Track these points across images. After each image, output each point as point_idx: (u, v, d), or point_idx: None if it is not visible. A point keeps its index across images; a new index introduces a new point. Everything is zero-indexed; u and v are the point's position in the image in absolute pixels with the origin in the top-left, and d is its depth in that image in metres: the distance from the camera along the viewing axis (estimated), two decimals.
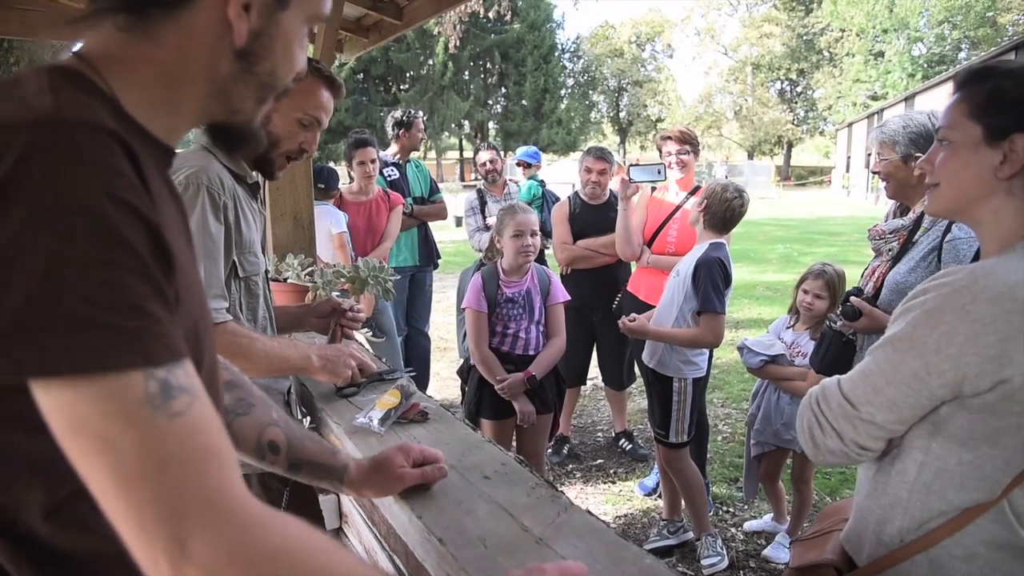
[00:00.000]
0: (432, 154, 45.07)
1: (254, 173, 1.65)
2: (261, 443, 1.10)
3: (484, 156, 5.04)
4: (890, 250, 2.29)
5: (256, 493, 1.55)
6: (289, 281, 2.40)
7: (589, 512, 1.14)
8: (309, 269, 2.42)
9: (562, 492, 1.22)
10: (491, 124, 45.92)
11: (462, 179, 39.87)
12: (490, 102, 44.73)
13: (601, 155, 4.10)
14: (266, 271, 1.67)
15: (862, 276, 2.40)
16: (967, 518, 1.09)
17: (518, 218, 2.91)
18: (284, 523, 0.63)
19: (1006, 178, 1.10)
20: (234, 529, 0.58)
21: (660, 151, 3.73)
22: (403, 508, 1.19)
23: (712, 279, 2.85)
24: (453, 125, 42.23)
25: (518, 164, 5.41)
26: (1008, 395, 1.04)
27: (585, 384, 4.59)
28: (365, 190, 4.39)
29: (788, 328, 3.23)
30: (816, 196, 32.72)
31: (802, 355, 3.03)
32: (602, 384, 4.60)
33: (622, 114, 53.91)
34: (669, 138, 3.64)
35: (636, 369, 4.01)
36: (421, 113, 5.27)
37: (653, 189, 3.78)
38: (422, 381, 5.18)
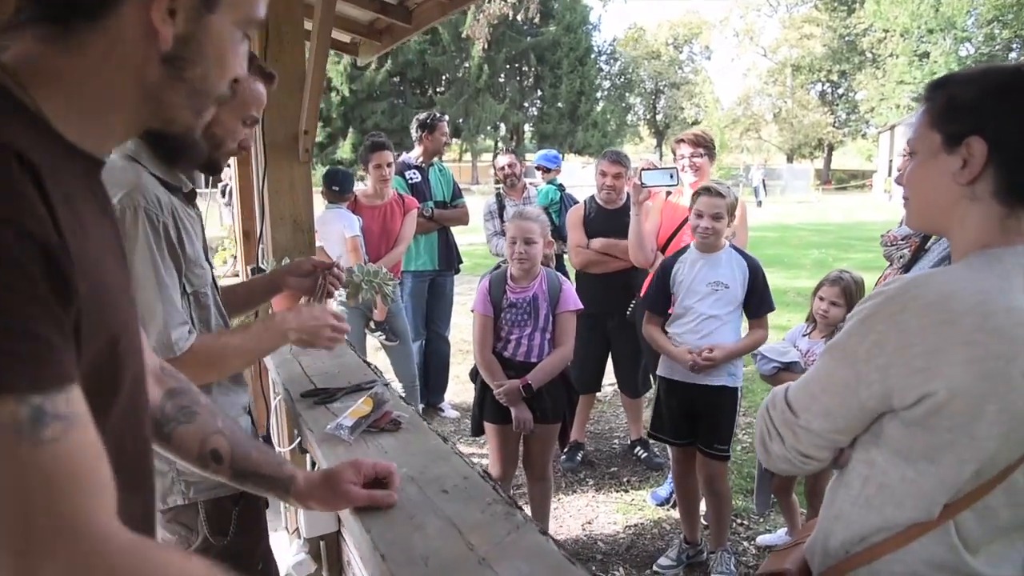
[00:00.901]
0: (467, 156, 45.24)
1: (188, 178, 1.60)
2: (204, 451, 1.08)
3: (502, 160, 5.02)
4: (901, 257, 2.20)
5: (207, 512, 1.55)
6: None
7: (543, 532, 1.09)
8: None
9: (519, 509, 1.18)
10: (526, 127, 45.91)
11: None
12: (525, 105, 44.69)
13: (616, 159, 4.05)
14: (213, 279, 1.63)
15: (875, 284, 2.31)
16: (909, 536, 1.05)
17: (515, 224, 2.89)
18: (148, 552, 0.60)
19: (967, 183, 1.05)
20: (90, 557, 0.56)
21: (674, 154, 3.66)
22: (356, 519, 1.16)
23: (766, 280, 2.98)
24: (488, 128, 42.32)
25: (537, 168, 5.38)
26: (934, 410, 0.99)
27: (600, 391, 4.53)
28: (380, 194, 4.39)
29: (804, 336, 3.14)
30: (856, 200, 32.03)
31: None
32: (618, 390, 4.53)
33: (659, 117, 53.51)
34: (683, 141, 3.57)
35: (652, 377, 3.94)
36: (446, 116, 5.27)
37: (668, 194, 3.72)
38: (440, 384, 5.20)
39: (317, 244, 4.13)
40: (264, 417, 2.44)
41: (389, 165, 4.33)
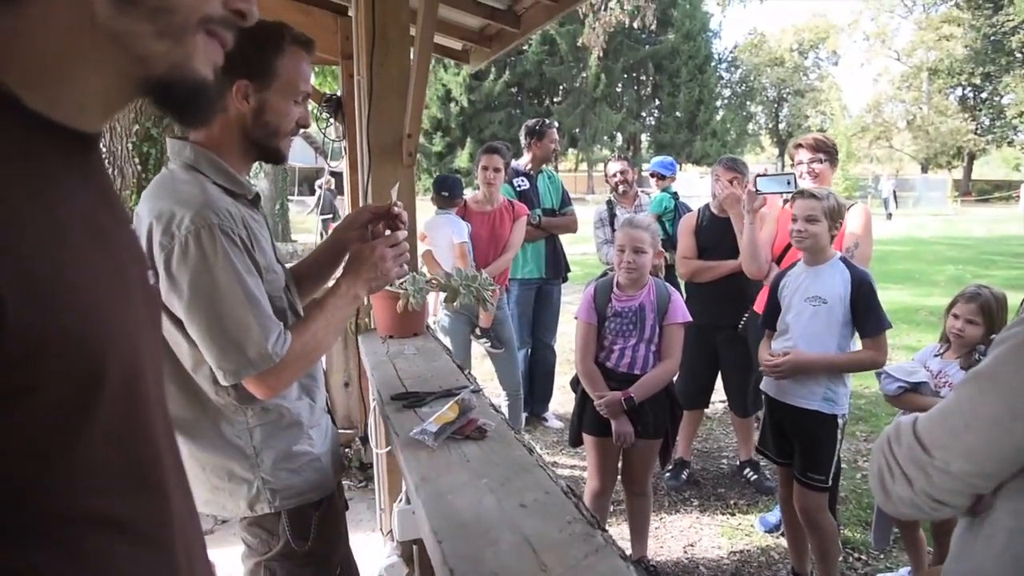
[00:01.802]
0: (583, 167, 45.13)
1: (252, 182, 1.58)
2: None
3: (614, 167, 4.92)
4: None
5: (289, 519, 1.55)
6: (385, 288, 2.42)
7: (623, 556, 1.00)
8: (404, 278, 2.42)
9: (602, 530, 1.09)
10: (643, 136, 45.33)
11: None
12: (643, 114, 44.15)
13: (732, 165, 3.88)
14: (287, 282, 1.62)
15: (1022, 305, 2.05)
16: None
17: (624, 232, 2.83)
18: None
19: None
20: None
21: (792, 160, 3.45)
22: (431, 530, 1.11)
23: (876, 295, 2.67)
24: (605, 137, 42.08)
25: (651, 175, 5.24)
26: None
27: (707, 407, 4.33)
28: (489, 199, 4.37)
29: (936, 356, 2.85)
30: (1000, 213, 29.40)
31: (949, 386, 2.66)
32: (728, 407, 4.32)
33: (781, 125, 51.41)
34: (801, 146, 3.35)
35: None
36: (555, 123, 5.23)
37: (785, 201, 3.51)
38: (544, 394, 5.16)
39: (424, 248, 4.23)
40: (363, 416, 2.46)
41: (497, 169, 4.30)
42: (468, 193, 4.59)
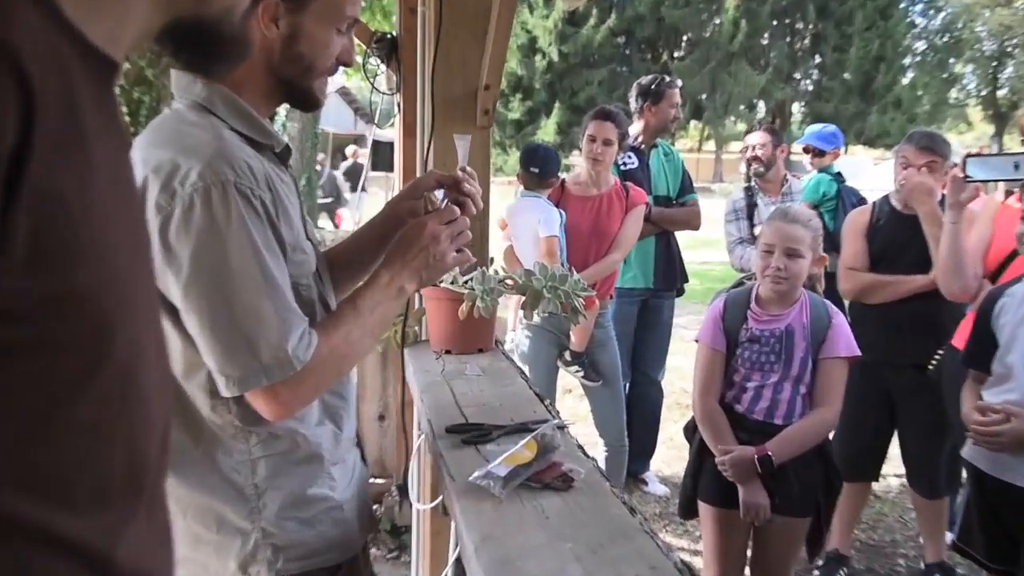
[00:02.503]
0: (710, 145, 44.76)
1: (280, 130, 1.61)
2: None
3: (754, 139, 4.92)
4: None
5: None
6: (443, 285, 2.45)
7: None
8: (471, 274, 2.45)
9: None
10: (795, 106, 44.61)
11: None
12: (796, 76, 43.50)
13: (929, 144, 3.81)
14: (318, 266, 1.65)
15: None
16: None
17: (774, 226, 2.84)
18: None
19: None
20: None
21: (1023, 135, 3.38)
22: None
23: None
24: (741, 107, 41.66)
25: (805, 150, 5.20)
26: None
27: (878, 480, 4.22)
28: (595, 180, 4.36)
29: None
30: None
31: None
32: (907, 483, 4.20)
33: (1001, 92, 49.74)
34: None
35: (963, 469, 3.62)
36: (678, 81, 5.22)
37: (1008, 193, 3.43)
38: (645, 446, 5.15)
39: (505, 243, 4.27)
40: (402, 460, 2.50)
41: (609, 142, 4.28)
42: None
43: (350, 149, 18.06)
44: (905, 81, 42.69)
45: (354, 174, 15.09)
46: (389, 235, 1.82)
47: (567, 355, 4.30)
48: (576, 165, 4.80)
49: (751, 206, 4.78)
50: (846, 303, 4.06)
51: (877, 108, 40.34)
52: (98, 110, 0.66)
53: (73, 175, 0.61)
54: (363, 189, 9.55)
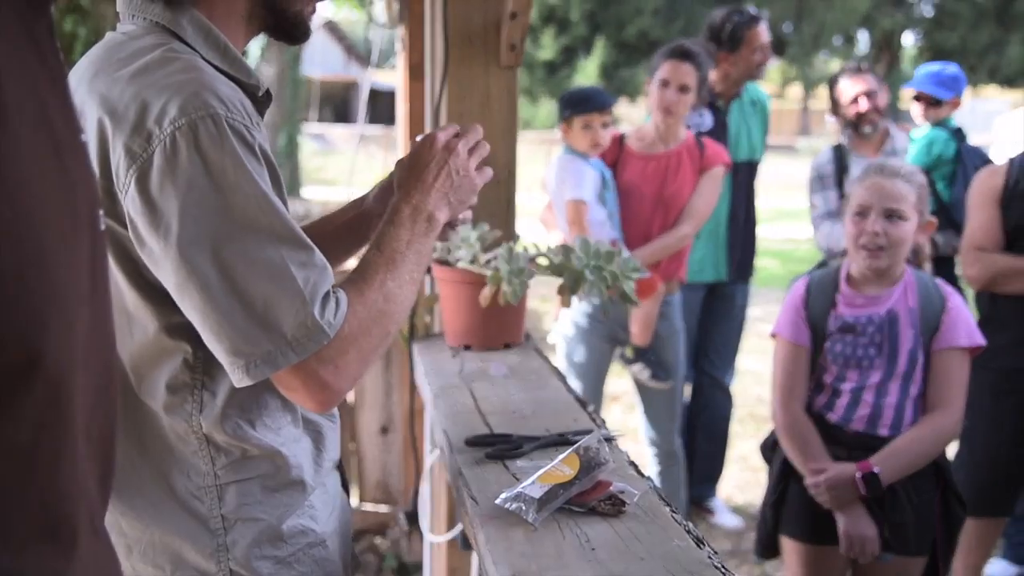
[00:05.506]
0: (795, 89, 44.32)
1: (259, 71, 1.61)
2: None
3: (848, 86, 4.81)
4: None
5: None
6: (460, 265, 2.46)
7: None
8: (495, 251, 2.45)
9: None
10: (906, 37, 43.98)
11: None
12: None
13: None
14: None
15: None
16: None
17: (868, 183, 2.81)
18: None
19: None
20: None
21: None
22: None
23: None
24: (837, 41, 41.21)
25: (916, 98, 5.13)
26: None
27: (1010, 514, 4.20)
28: (664, 135, 4.31)
29: None
30: None
31: None
32: None
33: None
34: None
35: None
36: (764, 14, 5.17)
37: None
38: (711, 467, 5.17)
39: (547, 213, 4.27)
40: (411, 481, 2.52)
41: (684, 88, 4.22)
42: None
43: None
44: None
45: None
46: (382, 196, 1.86)
47: (627, 352, 4.27)
48: (624, 121, 4.72)
49: (841, 170, 4.70)
50: (969, 293, 4.02)
51: (1018, 38, 39.52)
52: (22, 41, 0.65)
53: None
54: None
